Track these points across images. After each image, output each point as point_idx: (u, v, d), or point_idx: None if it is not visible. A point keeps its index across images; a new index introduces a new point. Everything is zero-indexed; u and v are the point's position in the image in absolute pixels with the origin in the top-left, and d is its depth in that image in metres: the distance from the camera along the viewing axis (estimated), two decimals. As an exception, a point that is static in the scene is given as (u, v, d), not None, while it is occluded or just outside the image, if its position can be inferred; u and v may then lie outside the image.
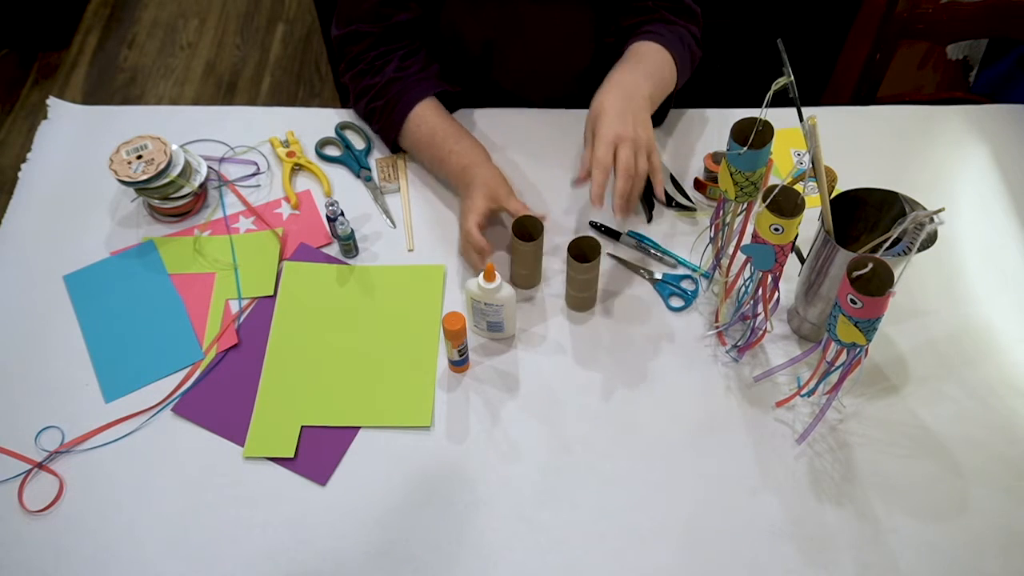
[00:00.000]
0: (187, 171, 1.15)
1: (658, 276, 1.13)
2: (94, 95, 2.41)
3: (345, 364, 1.05)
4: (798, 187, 0.90)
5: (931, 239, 0.91)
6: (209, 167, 1.20)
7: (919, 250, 0.90)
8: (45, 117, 1.29)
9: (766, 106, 0.88)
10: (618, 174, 1.05)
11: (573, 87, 1.29)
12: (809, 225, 0.99)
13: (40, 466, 0.97)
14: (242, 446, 0.99)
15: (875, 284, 0.84)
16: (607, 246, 1.16)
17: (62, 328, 1.08)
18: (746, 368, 1.05)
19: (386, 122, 1.20)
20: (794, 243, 0.95)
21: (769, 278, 0.97)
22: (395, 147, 1.23)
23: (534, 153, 1.24)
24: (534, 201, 1.19)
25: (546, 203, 1.20)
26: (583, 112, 1.28)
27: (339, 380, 1.04)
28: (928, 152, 1.27)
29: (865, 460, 0.99)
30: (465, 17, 1.20)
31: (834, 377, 0.95)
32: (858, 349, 0.89)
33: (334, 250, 1.15)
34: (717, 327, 1.08)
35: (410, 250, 1.15)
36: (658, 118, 1.25)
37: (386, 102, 1.18)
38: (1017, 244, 1.17)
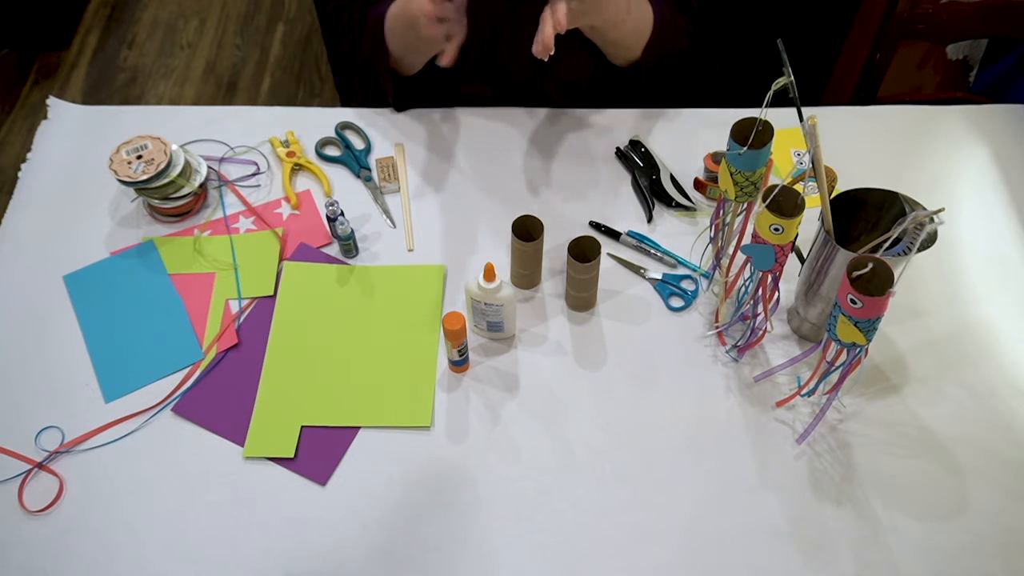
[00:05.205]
0: (187, 171, 1.15)
1: (658, 276, 1.13)
2: (94, 95, 2.41)
3: (345, 364, 1.05)
4: (798, 187, 0.90)
5: (931, 239, 0.91)
6: (209, 167, 1.20)
7: (919, 250, 0.90)
8: (45, 117, 1.29)
9: (766, 106, 0.88)
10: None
11: (585, 84, 1.28)
12: (809, 225, 0.99)
13: (40, 466, 0.97)
14: (242, 446, 0.99)
15: (875, 284, 0.84)
16: (607, 246, 1.16)
17: (62, 328, 1.08)
18: (746, 368, 1.05)
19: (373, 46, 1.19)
20: (794, 243, 0.95)
21: (769, 278, 0.97)
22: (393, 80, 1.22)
23: (537, 152, 1.24)
24: (536, 200, 1.19)
25: (548, 202, 1.20)
26: (587, 112, 1.29)
27: (339, 380, 1.04)
28: (928, 152, 1.26)
29: (865, 460, 0.99)
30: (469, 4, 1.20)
31: (834, 377, 0.95)
32: (858, 349, 0.89)
33: (334, 250, 1.15)
34: (717, 327, 1.08)
35: (410, 250, 1.15)
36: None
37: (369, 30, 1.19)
38: (1017, 244, 1.17)
